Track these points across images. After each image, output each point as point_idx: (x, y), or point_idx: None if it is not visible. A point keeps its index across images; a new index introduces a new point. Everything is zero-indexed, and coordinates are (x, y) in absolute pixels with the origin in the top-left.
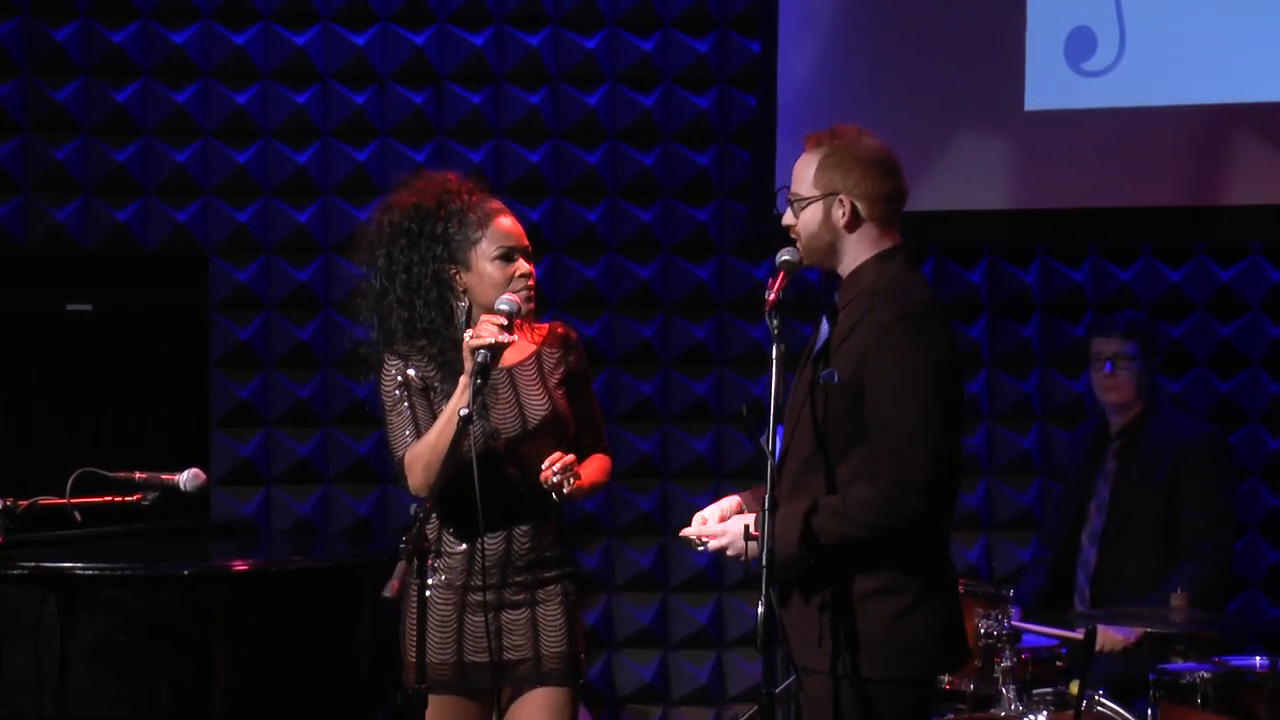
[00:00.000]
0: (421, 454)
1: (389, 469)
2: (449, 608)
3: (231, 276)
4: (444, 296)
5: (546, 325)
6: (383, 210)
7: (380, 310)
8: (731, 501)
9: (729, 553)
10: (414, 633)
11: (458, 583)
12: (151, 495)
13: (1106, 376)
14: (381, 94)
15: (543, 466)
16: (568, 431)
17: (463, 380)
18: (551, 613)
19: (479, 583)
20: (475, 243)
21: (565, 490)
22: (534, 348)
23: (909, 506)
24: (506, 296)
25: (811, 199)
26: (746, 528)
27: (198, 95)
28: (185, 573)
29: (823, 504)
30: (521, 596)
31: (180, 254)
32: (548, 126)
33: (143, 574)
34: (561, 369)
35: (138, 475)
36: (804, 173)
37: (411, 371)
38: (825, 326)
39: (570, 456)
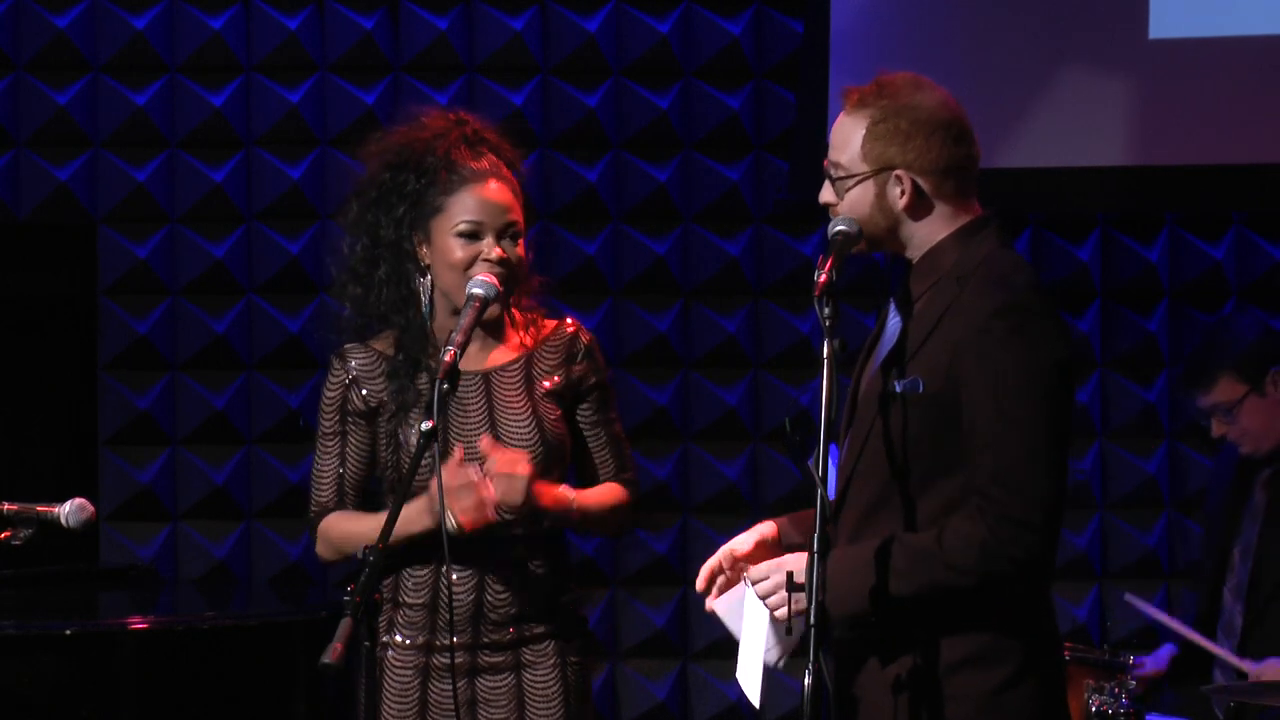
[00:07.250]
0: (337, 534)
1: None
2: (409, 672)
3: (127, 252)
4: (403, 271)
5: (553, 323)
6: (368, 152)
7: (336, 284)
8: (768, 528)
9: (769, 604)
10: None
11: (420, 641)
12: (24, 533)
13: (1217, 436)
14: (320, 16)
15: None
16: (558, 456)
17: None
18: (542, 678)
19: (445, 641)
20: (438, 210)
21: (512, 503)
22: (526, 349)
23: (1022, 548)
24: (480, 278)
25: (859, 176)
26: (790, 575)
27: (84, 19)
28: (67, 633)
29: (905, 543)
30: (502, 659)
31: (61, 224)
32: (534, 59)
33: (12, 634)
34: (557, 378)
35: (5, 507)
36: (848, 138)
37: (362, 390)
38: (895, 319)
39: (521, 456)
